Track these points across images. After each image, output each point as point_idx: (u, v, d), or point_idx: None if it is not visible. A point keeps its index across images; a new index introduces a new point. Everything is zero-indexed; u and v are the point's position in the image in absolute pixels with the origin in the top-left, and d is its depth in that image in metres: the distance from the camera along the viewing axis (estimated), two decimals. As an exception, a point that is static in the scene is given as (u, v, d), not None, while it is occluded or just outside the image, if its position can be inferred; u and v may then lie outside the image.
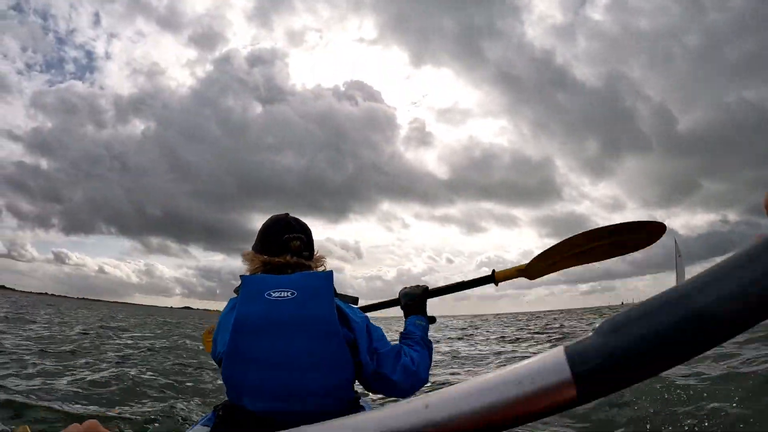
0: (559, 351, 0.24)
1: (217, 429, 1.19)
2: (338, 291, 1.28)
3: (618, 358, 0.23)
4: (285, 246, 1.35)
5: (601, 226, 1.70)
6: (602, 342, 0.24)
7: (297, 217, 1.45)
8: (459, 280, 1.81)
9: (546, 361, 0.25)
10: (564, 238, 1.67)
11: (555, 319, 27.73)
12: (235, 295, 1.26)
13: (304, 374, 1.12)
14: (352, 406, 1.21)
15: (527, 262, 1.71)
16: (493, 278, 1.70)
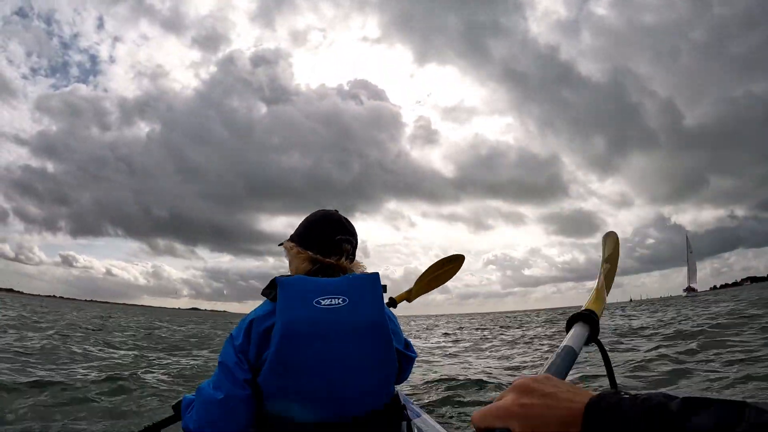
0: None
1: None
2: None
3: None
4: (338, 247, 1.25)
5: (440, 258, 2.36)
6: None
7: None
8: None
9: None
10: (425, 269, 2.29)
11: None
12: (264, 298, 1.15)
13: (359, 378, 1.10)
14: (395, 401, 1.22)
15: (411, 287, 2.24)
16: (394, 303, 2.06)
